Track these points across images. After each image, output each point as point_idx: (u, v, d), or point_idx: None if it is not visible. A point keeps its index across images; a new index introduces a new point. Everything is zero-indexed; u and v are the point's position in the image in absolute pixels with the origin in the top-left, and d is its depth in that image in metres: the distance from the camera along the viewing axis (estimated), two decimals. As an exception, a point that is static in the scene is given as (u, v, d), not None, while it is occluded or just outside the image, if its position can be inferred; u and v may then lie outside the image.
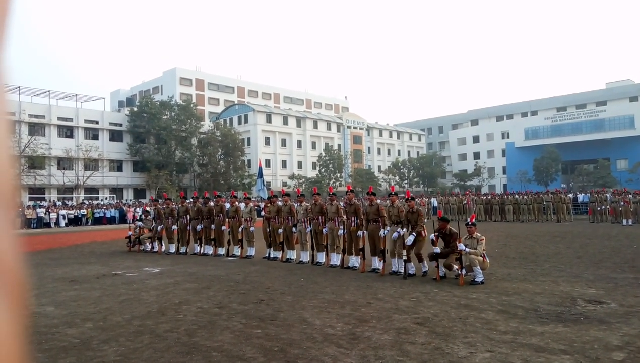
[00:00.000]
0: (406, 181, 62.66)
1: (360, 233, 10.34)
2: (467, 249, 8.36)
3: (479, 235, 8.61)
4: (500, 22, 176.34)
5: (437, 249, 8.73)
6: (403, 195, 10.74)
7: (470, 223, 8.78)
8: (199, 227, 13.83)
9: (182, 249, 14.16)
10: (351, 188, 11.54)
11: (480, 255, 8.29)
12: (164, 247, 14.63)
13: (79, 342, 5.21)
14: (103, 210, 34.12)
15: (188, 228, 14.24)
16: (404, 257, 9.25)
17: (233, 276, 9.58)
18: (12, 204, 0.28)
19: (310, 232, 11.38)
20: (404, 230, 9.47)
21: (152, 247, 14.83)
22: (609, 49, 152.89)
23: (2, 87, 0.29)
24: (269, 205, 12.72)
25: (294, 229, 11.79)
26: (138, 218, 15.67)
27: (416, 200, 10.66)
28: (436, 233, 8.95)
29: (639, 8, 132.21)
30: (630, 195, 23.83)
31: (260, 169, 17.32)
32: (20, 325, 0.28)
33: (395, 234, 9.49)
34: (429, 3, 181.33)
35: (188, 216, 14.29)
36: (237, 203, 13.81)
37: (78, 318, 6.25)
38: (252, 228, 12.91)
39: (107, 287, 8.68)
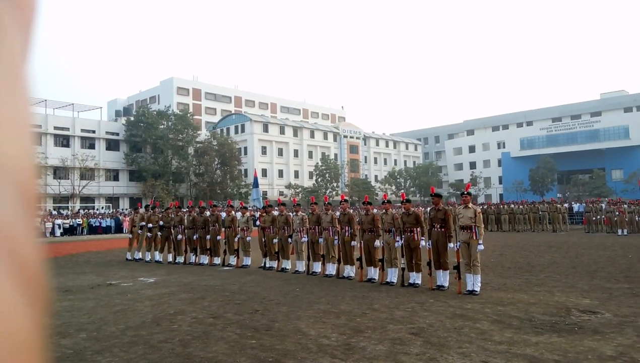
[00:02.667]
0: (402, 190, 62.75)
1: (354, 243, 10.36)
2: (458, 245, 8.65)
3: (475, 207, 8.71)
4: (496, 33, 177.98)
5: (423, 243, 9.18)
6: (399, 204, 10.75)
7: (465, 192, 8.90)
8: (194, 237, 13.81)
9: (179, 259, 14.11)
10: (345, 198, 11.53)
11: (478, 226, 8.49)
12: (157, 256, 14.57)
13: (73, 353, 5.18)
14: (99, 219, 34.01)
15: (183, 237, 14.19)
16: (402, 266, 9.29)
17: (228, 286, 9.55)
18: (35, 209, 0.30)
19: (307, 242, 11.37)
20: (400, 239, 9.43)
21: (153, 257, 14.74)
22: (604, 60, 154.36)
23: (27, 98, 0.30)
24: (264, 214, 12.73)
25: (289, 239, 11.78)
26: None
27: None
28: (431, 213, 9.24)
29: (633, 20, 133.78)
30: (625, 205, 23.91)
31: (255, 179, 17.35)
32: (41, 324, 0.28)
33: (397, 243, 9.45)
34: (425, 14, 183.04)
35: (182, 226, 14.26)
36: (233, 212, 13.80)
37: (72, 329, 6.22)
38: (248, 238, 12.89)
39: (102, 297, 8.64)
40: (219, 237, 13.49)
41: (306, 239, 11.39)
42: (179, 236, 14.24)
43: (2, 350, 0.23)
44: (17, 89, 0.29)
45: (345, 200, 11.17)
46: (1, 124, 0.27)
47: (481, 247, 8.40)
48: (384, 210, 10.05)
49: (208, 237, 13.54)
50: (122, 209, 44.16)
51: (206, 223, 13.69)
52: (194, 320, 6.59)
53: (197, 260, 13.71)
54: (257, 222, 13.16)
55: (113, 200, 48.60)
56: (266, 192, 53.67)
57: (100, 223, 33.44)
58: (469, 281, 8.29)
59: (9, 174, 0.27)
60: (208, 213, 14.17)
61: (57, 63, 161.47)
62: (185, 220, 14.31)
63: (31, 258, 0.28)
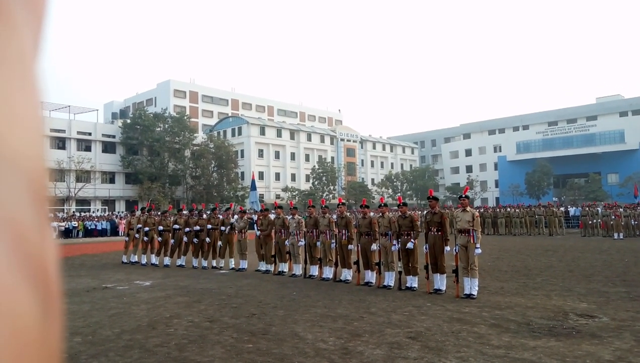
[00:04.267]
0: (399, 194, 62.80)
1: (351, 246, 10.34)
2: (457, 248, 8.60)
3: (473, 210, 8.69)
4: (493, 37, 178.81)
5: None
6: (396, 208, 10.73)
7: (463, 195, 8.87)
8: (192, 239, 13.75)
9: (178, 262, 14.02)
10: (342, 201, 11.53)
11: (476, 230, 8.45)
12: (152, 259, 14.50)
13: (67, 357, 5.13)
14: (94, 222, 33.85)
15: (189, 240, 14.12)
16: (399, 269, 9.28)
17: (225, 289, 9.51)
18: (48, 209, 0.29)
19: (304, 245, 11.34)
20: (397, 243, 9.39)
21: (149, 260, 14.64)
22: (599, 64, 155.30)
23: (39, 97, 0.30)
24: (261, 217, 12.70)
25: (286, 242, 11.74)
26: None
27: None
28: (426, 215, 9.24)
29: (628, 25, 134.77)
30: (621, 209, 24.00)
31: (253, 181, 17.31)
32: (54, 323, 0.28)
33: (394, 247, 9.42)
34: (423, 18, 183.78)
35: (188, 228, 14.15)
36: (231, 215, 13.76)
37: (67, 332, 6.16)
38: (245, 241, 12.88)
39: (97, 300, 8.57)
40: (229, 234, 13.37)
41: (303, 243, 11.36)
42: (184, 239, 14.11)
43: (9, 346, 0.23)
44: (28, 87, 0.29)
45: (343, 204, 11.15)
46: (14, 123, 0.27)
47: (479, 250, 8.39)
48: (380, 214, 10.03)
49: (207, 239, 13.50)
50: (118, 212, 44.00)
51: (204, 226, 13.65)
52: (190, 324, 6.54)
53: (194, 263, 13.67)
54: (255, 226, 13.09)
55: (109, 202, 48.45)
56: (263, 195, 53.59)
57: (96, 226, 33.28)
58: (466, 285, 8.28)
59: (22, 172, 0.27)
60: (205, 216, 14.13)
61: (53, 65, 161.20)
62: (187, 223, 14.18)
63: (44, 257, 0.27)
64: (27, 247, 0.26)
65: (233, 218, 13.61)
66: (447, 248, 8.76)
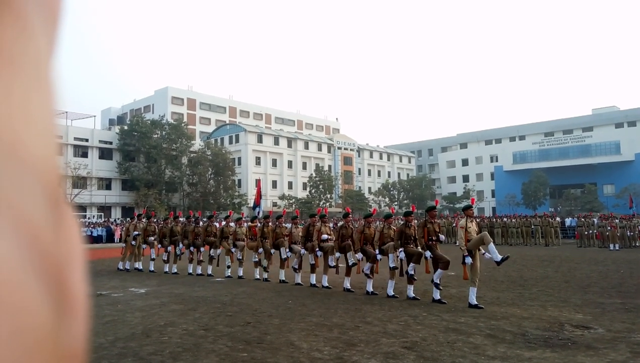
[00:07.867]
0: (396, 203, 62.81)
1: (357, 255, 10.35)
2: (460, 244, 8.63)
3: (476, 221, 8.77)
4: (491, 48, 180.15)
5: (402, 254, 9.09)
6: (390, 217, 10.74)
7: (472, 206, 9.03)
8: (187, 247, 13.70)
9: (174, 269, 13.98)
10: (349, 210, 11.58)
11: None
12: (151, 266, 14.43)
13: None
14: (90, 228, 33.69)
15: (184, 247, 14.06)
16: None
17: (220, 297, 9.46)
18: (64, 207, 0.30)
19: (304, 254, 11.34)
20: (401, 252, 9.38)
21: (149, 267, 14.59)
22: (596, 76, 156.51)
23: (53, 99, 0.30)
24: (258, 225, 12.68)
25: (288, 252, 11.71)
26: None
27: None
28: (424, 226, 9.17)
29: (624, 38, 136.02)
30: (617, 220, 24.07)
31: (260, 193, 17.38)
32: (75, 326, 0.28)
33: (401, 255, 9.40)
34: (421, 29, 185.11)
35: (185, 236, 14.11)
36: (230, 223, 13.74)
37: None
38: (243, 249, 12.86)
39: (91, 307, 8.48)
40: (218, 249, 13.37)
41: (304, 252, 11.32)
42: (180, 245, 14.05)
43: (12, 342, 0.22)
44: (44, 90, 0.29)
45: (348, 214, 11.19)
46: (30, 125, 0.27)
47: (469, 259, 8.33)
48: (385, 223, 10.08)
49: (202, 248, 13.48)
50: (114, 219, 43.81)
51: (200, 234, 13.62)
52: (184, 332, 6.50)
53: (189, 271, 13.61)
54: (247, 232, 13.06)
55: (105, 209, 48.24)
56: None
57: (91, 232, 33.11)
58: (471, 294, 8.23)
59: (38, 173, 0.27)
60: (201, 223, 14.10)
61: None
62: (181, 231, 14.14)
63: (59, 257, 0.27)
64: (39, 246, 0.26)
65: (231, 224, 13.54)
66: (428, 253, 8.88)
